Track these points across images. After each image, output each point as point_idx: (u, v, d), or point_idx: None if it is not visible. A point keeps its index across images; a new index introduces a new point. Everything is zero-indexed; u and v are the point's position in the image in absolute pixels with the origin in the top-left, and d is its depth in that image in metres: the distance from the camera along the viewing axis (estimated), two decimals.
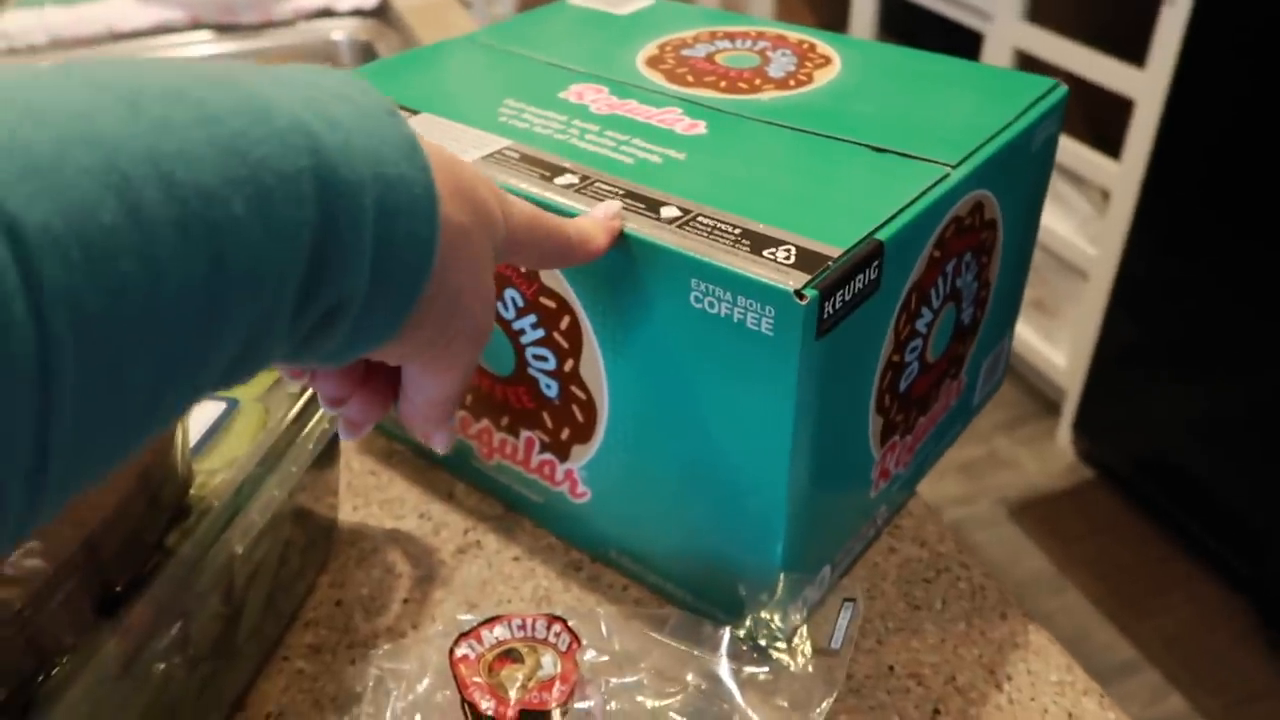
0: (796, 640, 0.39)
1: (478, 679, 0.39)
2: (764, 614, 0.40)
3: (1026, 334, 1.75)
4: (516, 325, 0.44)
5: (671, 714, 0.37)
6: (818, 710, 0.37)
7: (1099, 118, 1.66)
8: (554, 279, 0.41)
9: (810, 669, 0.38)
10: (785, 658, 0.38)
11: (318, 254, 0.24)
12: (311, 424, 0.43)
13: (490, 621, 0.41)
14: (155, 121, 0.20)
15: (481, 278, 0.31)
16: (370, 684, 0.40)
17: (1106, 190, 1.54)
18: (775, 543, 0.40)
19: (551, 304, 0.42)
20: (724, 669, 0.38)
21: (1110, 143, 1.53)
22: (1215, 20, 1.31)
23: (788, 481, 0.38)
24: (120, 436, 0.21)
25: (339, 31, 1.17)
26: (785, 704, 0.37)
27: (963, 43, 1.74)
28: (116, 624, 0.34)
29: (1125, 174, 1.48)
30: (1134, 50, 1.44)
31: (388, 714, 0.39)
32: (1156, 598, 1.46)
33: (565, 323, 0.42)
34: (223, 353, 0.23)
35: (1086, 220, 1.65)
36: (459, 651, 0.40)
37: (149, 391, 0.21)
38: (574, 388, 0.43)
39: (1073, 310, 1.68)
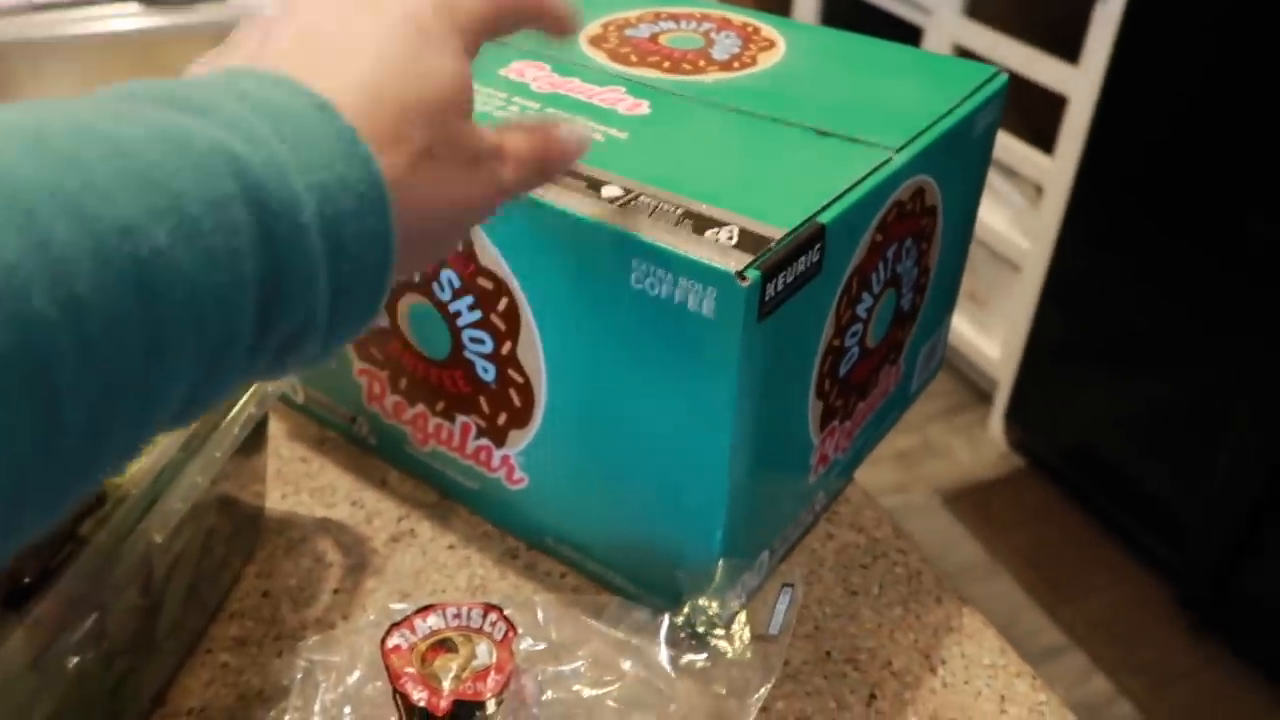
0: (735, 627, 0.39)
1: (410, 669, 0.38)
2: (703, 601, 0.40)
3: (960, 325, 1.78)
4: (453, 307, 0.43)
5: (609, 703, 0.37)
6: (755, 697, 0.37)
7: (1035, 113, 1.69)
8: (492, 259, 0.40)
9: (748, 656, 0.38)
10: (723, 645, 0.38)
11: (266, 276, 0.23)
12: (237, 408, 0.41)
13: (424, 610, 0.40)
14: (61, 157, 0.19)
15: (456, 183, 0.29)
16: (298, 676, 0.39)
17: (1039, 185, 1.58)
18: (715, 528, 0.40)
19: (489, 285, 0.41)
20: (662, 657, 0.38)
21: (1046, 138, 1.56)
22: (1147, 19, 1.34)
23: (728, 466, 0.38)
24: (66, 477, 0.20)
25: (273, 6, 1.14)
26: (723, 691, 0.37)
27: (903, 36, 1.75)
28: (24, 616, 0.32)
29: (1058, 169, 1.51)
30: (1068, 47, 1.46)
31: (316, 707, 0.38)
32: (1083, 583, 1.50)
33: (503, 304, 0.41)
34: (174, 386, 0.22)
35: (1020, 214, 1.68)
36: (391, 641, 0.38)
37: (91, 430, 0.20)
38: (511, 371, 0.42)
39: (1005, 302, 1.71)
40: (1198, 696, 1.36)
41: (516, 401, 0.43)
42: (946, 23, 1.65)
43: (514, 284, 0.40)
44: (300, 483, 0.51)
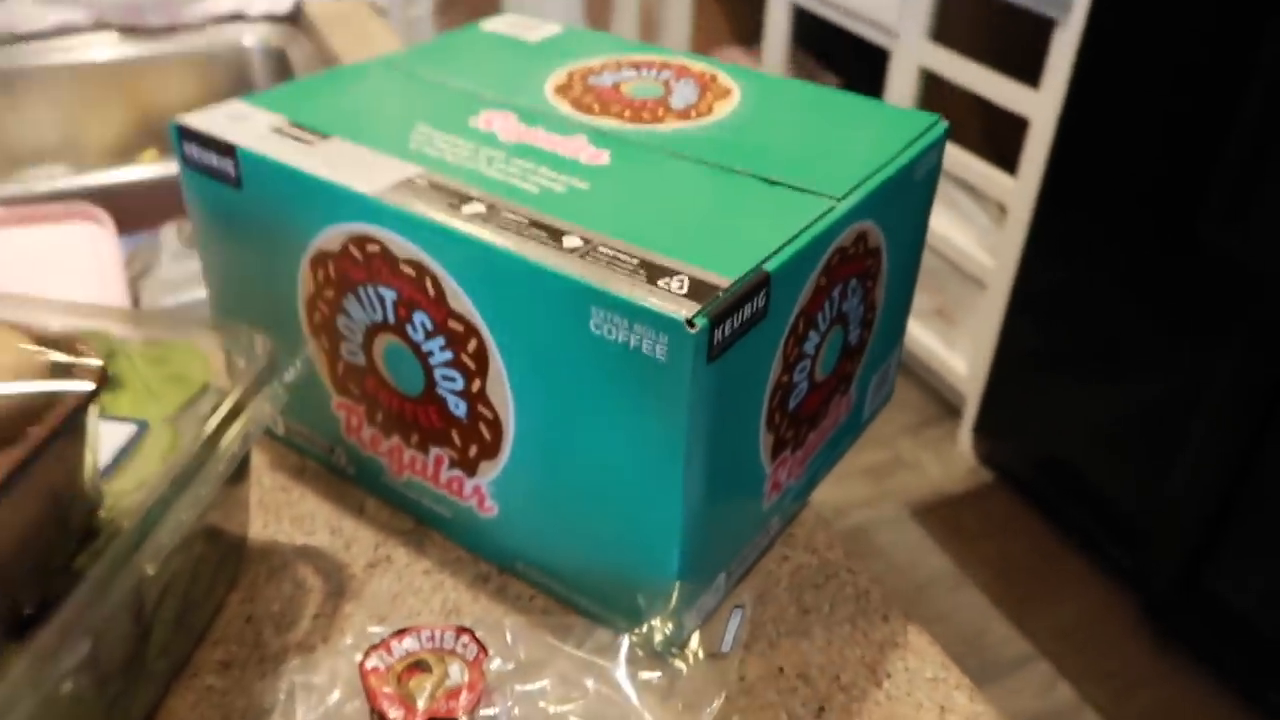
0: (690, 646, 0.42)
1: (387, 689, 0.40)
2: (661, 621, 0.43)
3: (929, 341, 1.82)
4: (426, 347, 0.45)
5: (571, 718, 0.39)
6: (708, 710, 0.40)
7: (998, 134, 1.74)
8: (463, 305, 0.43)
9: (702, 672, 0.40)
10: (679, 663, 0.41)
11: None
12: (223, 445, 0.43)
13: (400, 633, 0.42)
14: None
15: None
16: (281, 698, 0.41)
17: (1003, 204, 1.62)
18: (671, 554, 0.42)
19: (460, 328, 0.44)
20: (622, 674, 0.41)
21: (1010, 159, 1.61)
22: (1104, 45, 1.39)
23: (682, 497, 0.41)
24: None
25: (250, 36, 1.16)
26: (680, 706, 0.40)
27: (870, 59, 1.80)
28: (24, 645, 0.34)
29: (1021, 188, 1.55)
30: (1030, 70, 1.51)
31: None
32: (1050, 593, 1.54)
33: (473, 345, 0.44)
34: None
35: (985, 232, 1.72)
36: (369, 663, 0.41)
37: None
38: (481, 407, 0.45)
39: (972, 318, 1.76)
40: (1161, 704, 1.39)
41: (486, 435, 0.46)
42: (912, 47, 1.69)
43: (483, 328, 0.43)
44: (281, 511, 0.54)
